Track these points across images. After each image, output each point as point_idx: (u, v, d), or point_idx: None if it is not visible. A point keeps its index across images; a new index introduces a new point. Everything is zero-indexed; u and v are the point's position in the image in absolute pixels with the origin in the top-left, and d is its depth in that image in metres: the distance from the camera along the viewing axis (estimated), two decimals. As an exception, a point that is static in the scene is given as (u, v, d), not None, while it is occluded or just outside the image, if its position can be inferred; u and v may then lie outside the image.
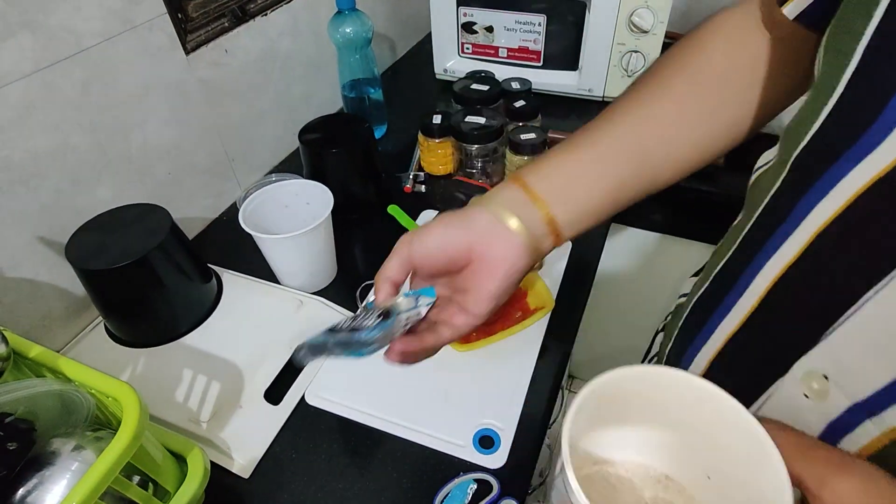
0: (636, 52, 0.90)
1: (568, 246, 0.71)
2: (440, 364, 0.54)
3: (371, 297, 0.44)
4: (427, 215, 0.78)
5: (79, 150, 0.60)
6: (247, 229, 0.60)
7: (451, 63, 1.05)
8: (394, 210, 0.78)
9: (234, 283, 0.67)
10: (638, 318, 1.08)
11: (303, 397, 0.56)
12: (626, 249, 0.98)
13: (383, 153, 0.92)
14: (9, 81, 0.53)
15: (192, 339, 0.60)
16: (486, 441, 0.51)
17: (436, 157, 0.83)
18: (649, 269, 0.99)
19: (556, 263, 0.69)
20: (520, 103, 0.83)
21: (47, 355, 0.43)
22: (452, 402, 0.54)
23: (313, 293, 0.66)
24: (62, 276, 0.61)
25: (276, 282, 0.67)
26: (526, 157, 0.76)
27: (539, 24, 0.94)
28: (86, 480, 0.35)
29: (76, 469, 0.38)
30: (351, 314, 0.61)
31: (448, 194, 0.78)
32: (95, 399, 0.42)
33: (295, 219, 0.66)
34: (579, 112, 0.98)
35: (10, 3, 0.51)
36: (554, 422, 0.83)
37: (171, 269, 0.59)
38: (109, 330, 0.62)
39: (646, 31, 0.87)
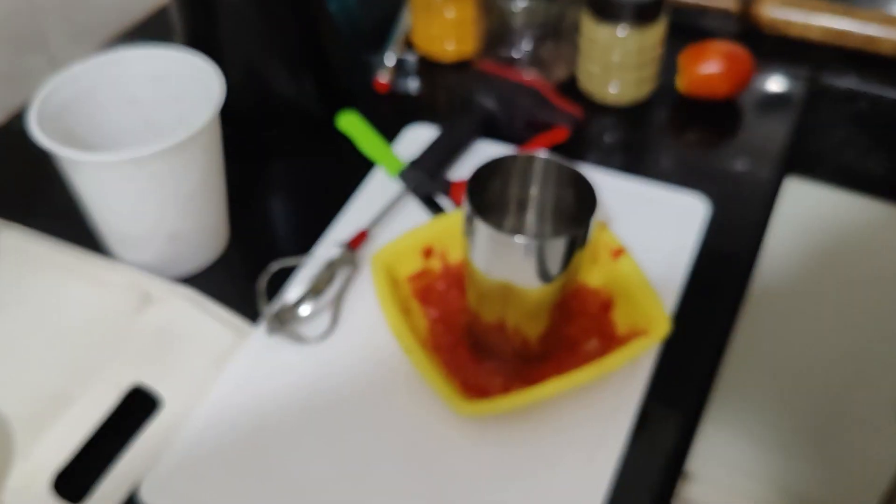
0: None
1: (699, 211, 0.70)
2: (429, 443, 0.55)
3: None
4: (417, 135, 0.77)
5: None
6: (43, 142, 0.56)
7: None
8: (350, 123, 0.76)
9: (17, 254, 0.64)
10: (844, 364, 1.08)
11: (136, 494, 0.52)
12: (818, 228, 0.96)
13: (340, 19, 0.91)
14: None
15: None
16: None
17: (441, 24, 0.83)
18: (866, 268, 0.98)
19: (678, 241, 0.67)
20: None
21: None
22: None
23: (177, 278, 0.65)
24: None
25: (106, 253, 0.66)
26: (624, 31, 0.75)
27: None
28: None
29: None
30: (246, 325, 0.61)
31: (463, 96, 0.76)
32: None
33: (148, 128, 0.66)
34: None
35: None
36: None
37: None
38: None
39: None
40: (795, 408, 1.18)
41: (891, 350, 1.04)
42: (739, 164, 0.74)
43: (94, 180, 0.59)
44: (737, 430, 1.26)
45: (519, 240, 0.51)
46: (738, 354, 1.08)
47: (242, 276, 0.65)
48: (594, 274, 0.61)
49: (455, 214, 0.64)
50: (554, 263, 0.51)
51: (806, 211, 0.96)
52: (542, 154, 0.55)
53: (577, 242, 0.51)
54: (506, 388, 0.56)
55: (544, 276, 0.51)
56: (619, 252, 0.60)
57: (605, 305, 0.60)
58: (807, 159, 0.89)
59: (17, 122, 0.78)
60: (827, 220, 0.97)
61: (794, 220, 0.96)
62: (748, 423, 1.24)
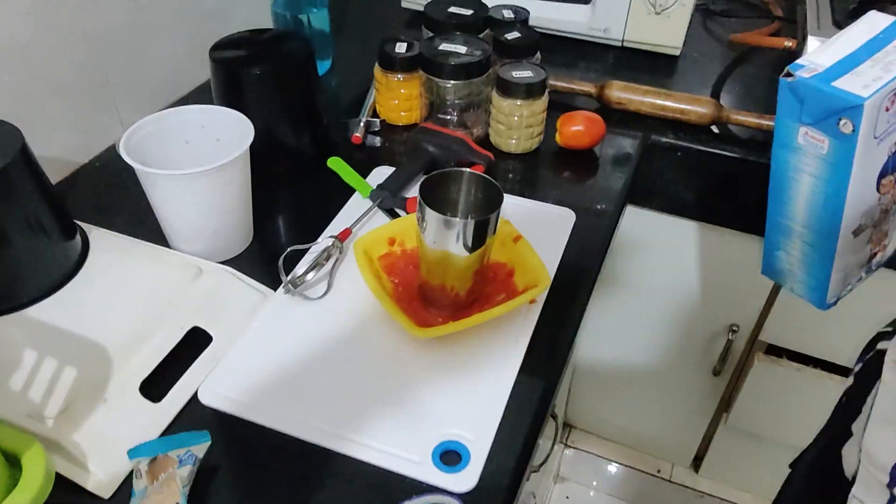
0: (667, -18, 0.93)
1: (570, 220, 0.74)
2: (395, 359, 0.59)
3: None
4: (381, 172, 0.79)
5: None
6: (128, 161, 0.60)
7: (423, -12, 1.06)
8: (335, 164, 0.79)
9: (107, 244, 0.66)
10: (670, 340, 1.11)
11: (195, 394, 0.56)
12: (646, 237, 1.01)
13: (327, 95, 0.94)
14: None
15: (41, 310, 0.59)
16: (450, 457, 0.52)
17: (397, 98, 0.85)
18: (683, 274, 1.03)
19: (556, 237, 0.71)
20: (513, 35, 0.86)
21: None
22: (407, 406, 0.56)
23: (219, 261, 0.67)
24: None
25: (169, 246, 0.68)
26: (520, 102, 0.79)
27: (542, -61, 0.97)
28: None
29: None
30: (269, 290, 0.63)
31: (413, 145, 0.80)
32: None
33: (199, 160, 0.67)
34: (591, 58, 1.01)
35: None
36: (544, 463, 0.83)
37: (16, 207, 0.57)
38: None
39: (681, -46, 0.91)
40: (637, 369, 1.17)
41: (700, 325, 1.06)
42: (596, 193, 0.78)
43: (162, 189, 0.63)
44: (603, 387, 1.24)
45: (454, 220, 0.55)
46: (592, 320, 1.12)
47: (262, 260, 0.68)
48: (502, 254, 0.65)
49: (409, 217, 0.68)
50: (475, 239, 0.56)
51: (638, 227, 0.98)
52: (467, 170, 0.60)
53: (489, 224, 0.56)
54: (444, 323, 0.60)
55: (469, 247, 0.56)
56: (518, 238, 0.65)
57: (510, 273, 0.64)
58: (640, 193, 0.92)
59: (97, 162, 0.80)
60: (651, 231, 0.99)
61: (630, 231, 0.98)
62: (609, 380, 1.22)
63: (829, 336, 1.00)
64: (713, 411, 1.18)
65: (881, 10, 0.93)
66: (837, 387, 1.01)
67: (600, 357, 1.19)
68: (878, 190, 0.52)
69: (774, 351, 1.05)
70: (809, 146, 0.50)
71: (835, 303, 0.61)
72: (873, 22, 0.51)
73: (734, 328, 1.03)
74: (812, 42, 0.89)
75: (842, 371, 1.02)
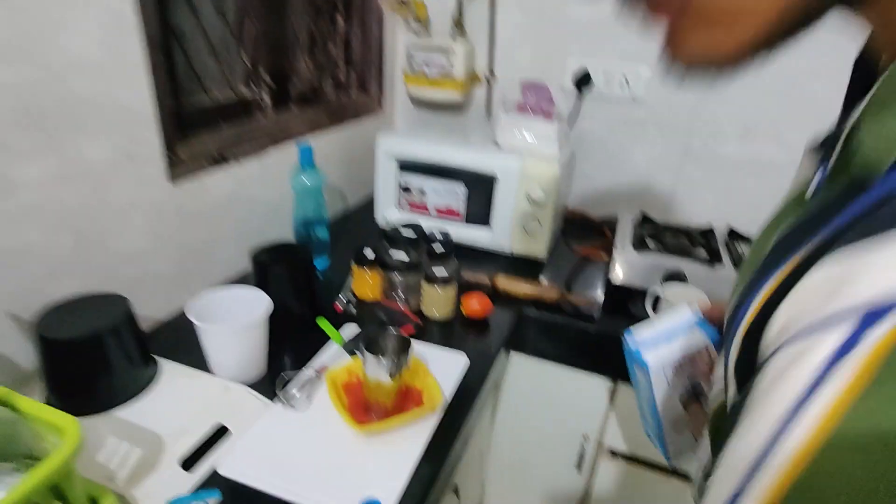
0: (534, 218, 1.12)
1: (463, 362, 0.82)
2: (343, 446, 0.64)
3: None
4: (349, 328, 0.89)
5: (62, 247, 0.72)
6: (191, 318, 0.70)
7: (390, 216, 1.25)
8: (322, 322, 0.88)
9: (171, 370, 0.74)
10: (545, 448, 1.14)
11: (215, 468, 0.61)
12: (531, 380, 1.06)
13: (324, 281, 1.06)
14: (26, 187, 0.66)
15: (123, 411, 0.66)
16: (370, 509, 0.59)
17: (365, 284, 0.97)
18: (550, 398, 1.07)
19: (455, 371, 0.79)
20: (438, 247, 1.00)
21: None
22: (348, 476, 0.61)
23: (242, 382, 0.73)
24: (12, 350, 0.67)
25: (211, 371, 0.73)
26: (439, 288, 0.92)
27: (460, 191, 1.17)
28: (22, 485, 0.43)
29: (11, 482, 0.45)
30: (270, 402, 0.70)
31: (370, 313, 0.91)
32: (35, 433, 0.50)
33: (236, 319, 0.73)
34: (490, 262, 1.15)
35: (43, 132, 0.67)
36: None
37: (119, 348, 0.67)
38: (47, 401, 0.67)
39: (539, 203, 1.11)
40: (528, 463, 1.14)
41: (563, 434, 1.06)
42: (485, 345, 0.85)
43: (210, 335, 0.69)
44: (507, 477, 1.23)
45: (383, 359, 0.64)
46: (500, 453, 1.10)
47: (269, 382, 0.73)
48: (416, 382, 0.72)
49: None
50: (394, 370, 0.65)
51: (518, 368, 1.02)
52: (392, 330, 0.69)
53: (402, 362, 0.66)
54: (378, 418, 0.66)
55: (392, 376, 0.65)
56: (426, 373, 0.72)
57: (420, 394, 0.70)
58: (517, 344, 0.98)
59: (173, 319, 0.88)
60: (527, 370, 1.03)
61: (513, 372, 1.03)
62: (511, 471, 1.19)
63: (648, 446, 1.06)
64: (580, 496, 1.17)
65: (660, 242, 1.09)
66: (660, 480, 1.06)
67: (505, 457, 1.19)
68: (685, 409, 0.56)
69: (615, 453, 1.09)
70: (638, 372, 0.56)
71: (679, 460, 0.60)
72: (680, 313, 0.55)
73: (586, 437, 1.08)
74: (617, 256, 1.06)
75: (660, 469, 1.07)
